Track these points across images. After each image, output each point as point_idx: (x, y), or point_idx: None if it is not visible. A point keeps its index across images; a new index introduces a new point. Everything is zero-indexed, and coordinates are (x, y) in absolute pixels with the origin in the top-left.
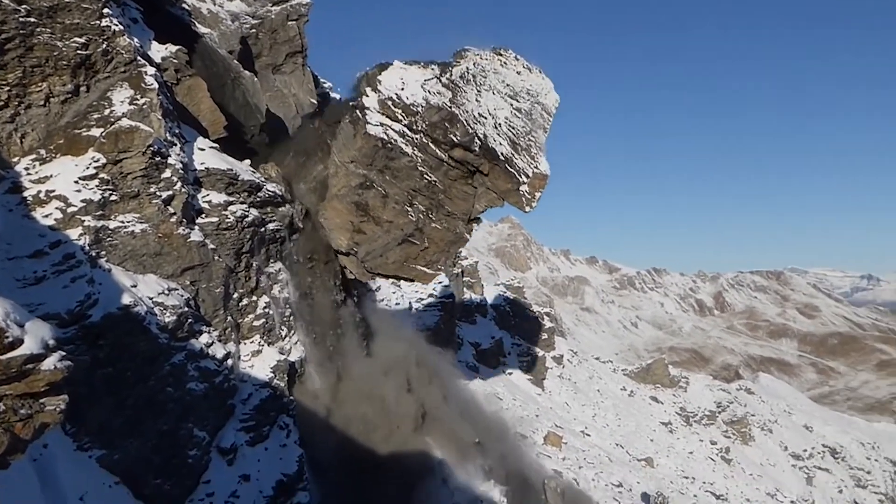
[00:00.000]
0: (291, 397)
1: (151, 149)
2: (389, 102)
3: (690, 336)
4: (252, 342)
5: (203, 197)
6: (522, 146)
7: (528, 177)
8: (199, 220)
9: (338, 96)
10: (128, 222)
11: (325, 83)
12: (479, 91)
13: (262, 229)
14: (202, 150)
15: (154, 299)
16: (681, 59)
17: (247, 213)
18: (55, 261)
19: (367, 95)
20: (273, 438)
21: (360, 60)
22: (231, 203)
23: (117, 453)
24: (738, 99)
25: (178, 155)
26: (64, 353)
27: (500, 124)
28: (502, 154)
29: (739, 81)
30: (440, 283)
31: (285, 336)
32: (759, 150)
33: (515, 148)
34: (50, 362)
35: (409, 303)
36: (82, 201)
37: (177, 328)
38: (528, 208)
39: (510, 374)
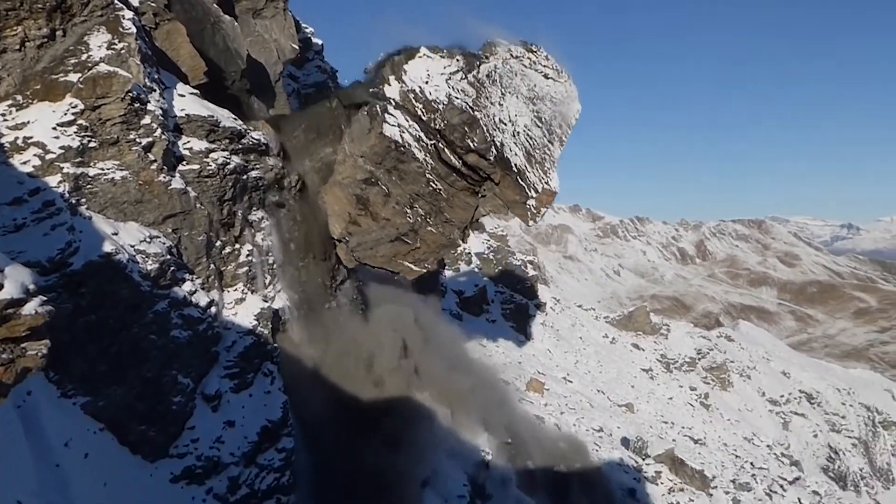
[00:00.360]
0: (275, 345)
1: (130, 94)
2: (412, 96)
3: (672, 284)
4: (235, 290)
5: (184, 144)
6: (537, 159)
7: (537, 192)
8: (180, 168)
9: (319, 42)
10: (108, 169)
11: (306, 28)
12: (503, 94)
13: (245, 177)
14: (182, 96)
15: (136, 247)
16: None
17: (229, 161)
18: (35, 208)
19: (390, 84)
20: (257, 385)
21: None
22: (213, 150)
23: (101, 400)
24: (720, 46)
25: (158, 101)
26: (45, 298)
27: (518, 132)
28: (516, 165)
29: (722, 28)
30: None
31: (269, 284)
32: (744, 100)
33: (530, 160)
34: (31, 307)
35: None
36: (61, 148)
37: (159, 276)
38: (531, 222)
39: (493, 321)
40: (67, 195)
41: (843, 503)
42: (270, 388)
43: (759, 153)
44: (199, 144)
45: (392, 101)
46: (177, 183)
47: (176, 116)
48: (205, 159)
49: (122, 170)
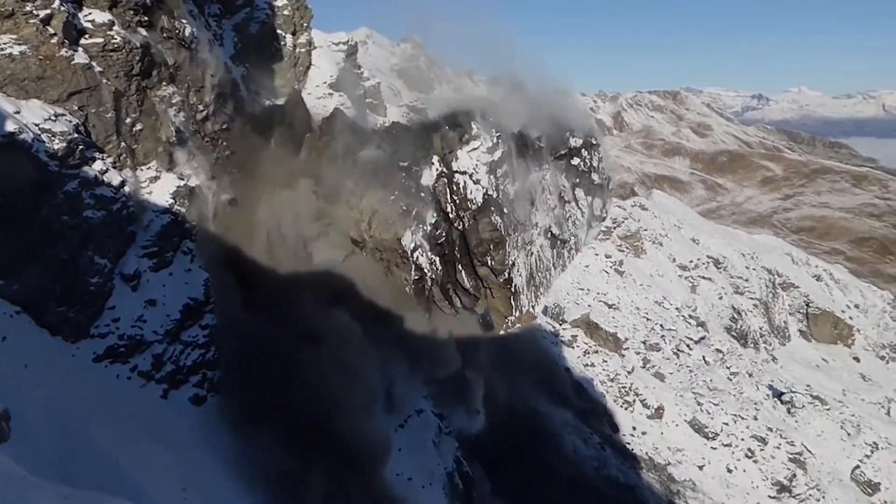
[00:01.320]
0: (193, 223)
1: None
2: (451, 188)
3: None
4: (149, 168)
5: (85, 16)
6: (535, 282)
7: (521, 312)
8: (82, 42)
9: None
10: (4, 44)
11: None
12: (540, 205)
13: (153, 50)
14: None
15: (40, 126)
16: None
17: (135, 33)
18: None
19: (433, 164)
20: (177, 264)
21: None
22: (116, 22)
23: (15, 283)
24: None
25: None
26: None
27: (532, 253)
28: (516, 286)
29: None
30: (344, 106)
31: (184, 161)
32: None
33: (529, 283)
34: None
35: None
36: None
37: (67, 155)
38: (501, 332)
39: None
40: None
41: (743, 359)
42: (191, 266)
43: (675, 25)
44: (102, 16)
45: (428, 176)
46: (80, 58)
47: None
48: (108, 32)
49: (20, 44)
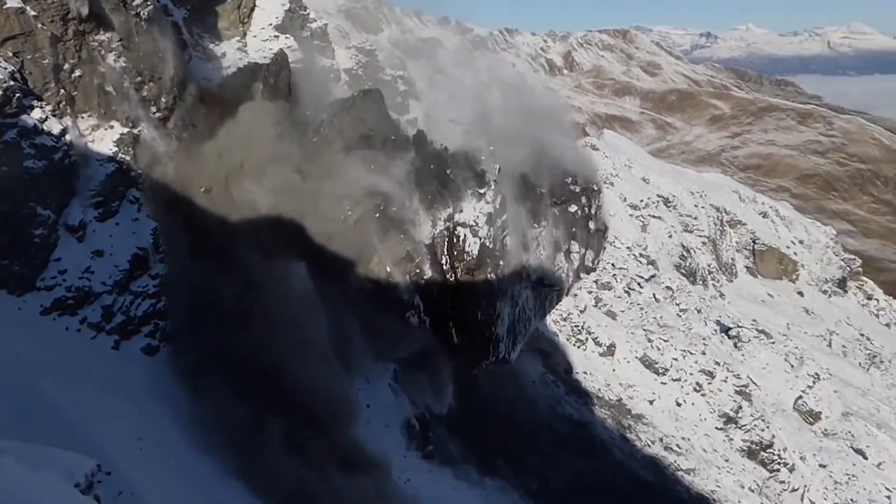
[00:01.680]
0: (140, 171)
1: None
2: (449, 240)
3: (541, 96)
4: (90, 116)
5: None
6: (515, 332)
7: (496, 360)
8: None
9: None
10: None
11: None
12: (534, 250)
13: None
14: None
15: None
16: None
17: None
18: None
19: (440, 217)
20: (123, 213)
21: None
22: None
23: None
24: None
25: None
26: None
27: (517, 303)
28: (497, 335)
29: None
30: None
31: (126, 108)
32: None
33: (509, 332)
34: None
35: None
36: None
37: (4, 104)
38: (474, 370)
39: None
40: None
41: (692, 296)
42: (138, 215)
43: None
44: None
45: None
46: (12, 1)
47: None
48: None
49: None
